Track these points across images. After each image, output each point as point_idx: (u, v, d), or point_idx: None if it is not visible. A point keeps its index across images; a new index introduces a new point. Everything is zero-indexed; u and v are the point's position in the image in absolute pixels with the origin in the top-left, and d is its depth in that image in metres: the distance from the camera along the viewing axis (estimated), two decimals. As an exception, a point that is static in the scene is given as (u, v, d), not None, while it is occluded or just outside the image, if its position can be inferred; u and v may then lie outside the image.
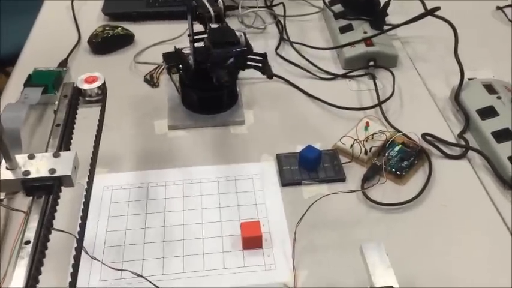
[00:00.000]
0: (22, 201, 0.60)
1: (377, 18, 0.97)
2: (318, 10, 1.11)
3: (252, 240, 0.63)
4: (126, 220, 0.67)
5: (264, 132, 0.81)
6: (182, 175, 0.73)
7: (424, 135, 0.78)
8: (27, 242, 0.48)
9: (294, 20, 1.07)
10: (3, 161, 0.52)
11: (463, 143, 0.78)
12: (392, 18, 0.98)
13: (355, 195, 0.70)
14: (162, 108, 0.84)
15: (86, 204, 0.55)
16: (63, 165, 0.53)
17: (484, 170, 0.74)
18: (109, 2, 1.10)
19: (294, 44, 0.99)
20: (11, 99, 0.67)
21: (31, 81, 0.69)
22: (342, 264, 0.62)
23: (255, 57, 0.78)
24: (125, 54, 0.98)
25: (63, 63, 0.92)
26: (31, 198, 0.52)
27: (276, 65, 0.95)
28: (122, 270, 0.59)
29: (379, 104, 0.85)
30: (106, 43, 0.98)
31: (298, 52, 0.98)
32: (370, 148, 0.75)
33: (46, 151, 0.58)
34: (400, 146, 0.76)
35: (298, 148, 0.75)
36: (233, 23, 1.03)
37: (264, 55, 0.78)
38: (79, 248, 0.51)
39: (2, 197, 0.64)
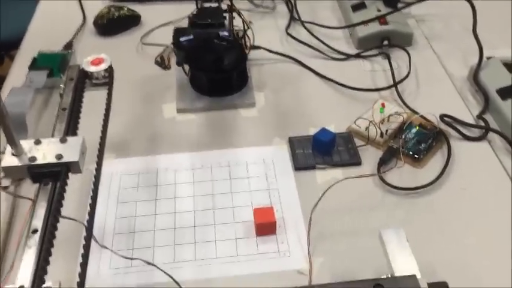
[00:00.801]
0: (29, 188, 0.59)
1: (391, -4, 0.94)
2: (329, -12, 1.07)
3: (265, 226, 0.61)
4: (135, 206, 0.66)
5: (276, 114, 0.79)
6: (192, 159, 0.72)
7: (442, 117, 0.75)
8: (35, 231, 0.47)
9: (305, -2, 1.04)
10: (9, 146, 0.51)
11: (482, 124, 0.75)
12: (406, -5, 0.95)
13: (371, 179, 0.68)
14: (170, 91, 0.82)
15: (95, 191, 0.53)
16: (70, 151, 0.52)
17: (504, 151, 0.72)
18: (114, -18, 1.07)
19: (305, 24, 0.96)
20: (16, 83, 0.65)
21: (36, 64, 0.68)
22: (358, 251, 0.60)
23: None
24: (131, 35, 0.96)
25: (69, 46, 0.90)
26: (38, 185, 0.51)
27: (287, 45, 0.93)
28: (132, 258, 0.58)
29: (395, 84, 0.82)
30: (112, 24, 0.96)
31: (309, 31, 0.95)
32: (386, 130, 0.73)
33: (52, 136, 0.57)
34: (417, 127, 0.73)
35: (311, 131, 0.73)
36: (242, 3, 1.00)
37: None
38: (88, 237, 0.50)
39: (8, 184, 0.62)
